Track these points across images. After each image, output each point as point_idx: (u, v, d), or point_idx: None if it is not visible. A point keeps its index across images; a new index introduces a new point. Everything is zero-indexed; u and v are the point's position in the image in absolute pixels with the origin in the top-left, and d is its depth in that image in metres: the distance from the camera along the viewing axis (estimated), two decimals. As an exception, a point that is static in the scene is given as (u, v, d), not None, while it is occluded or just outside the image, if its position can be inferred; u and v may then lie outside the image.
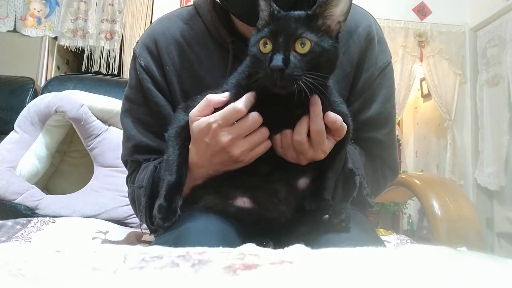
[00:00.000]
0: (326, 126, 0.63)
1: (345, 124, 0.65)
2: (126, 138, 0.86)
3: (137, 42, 0.88)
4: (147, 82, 0.83)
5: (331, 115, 0.63)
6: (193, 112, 0.67)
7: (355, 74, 0.83)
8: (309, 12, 0.60)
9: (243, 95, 0.63)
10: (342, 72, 0.82)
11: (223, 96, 0.66)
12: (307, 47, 0.57)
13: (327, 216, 0.62)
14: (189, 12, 0.87)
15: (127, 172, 0.89)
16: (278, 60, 0.56)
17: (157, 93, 0.83)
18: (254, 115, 0.63)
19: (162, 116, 0.82)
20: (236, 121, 0.63)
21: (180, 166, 0.67)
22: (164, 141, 0.76)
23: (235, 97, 0.64)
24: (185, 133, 0.69)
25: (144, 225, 0.82)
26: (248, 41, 0.63)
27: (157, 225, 0.64)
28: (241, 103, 0.62)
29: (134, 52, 0.87)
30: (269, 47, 0.59)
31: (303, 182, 0.68)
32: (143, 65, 0.84)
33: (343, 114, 0.66)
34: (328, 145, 0.65)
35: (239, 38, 0.80)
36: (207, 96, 0.66)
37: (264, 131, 0.64)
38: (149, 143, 0.84)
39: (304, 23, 0.59)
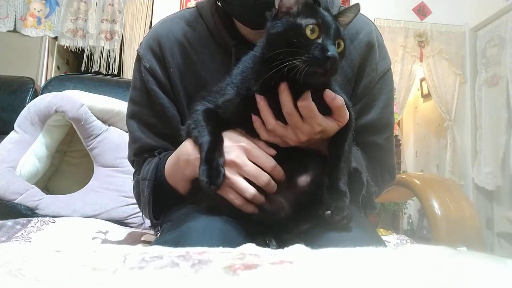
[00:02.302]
0: (326, 112, 0.65)
1: (347, 111, 0.66)
2: (132, 140, 0.87)
3: (140, 44, 0.88)
4: (151, 84, 0.83)
5: (329, 92, 0.64)
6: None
7: (356, 79, 0.84)
8: (334, 14, 0.65)
9: (252, 88, 0.66)
10: (344, 77, 0.83)
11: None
12: (341, 47, 0.63)
13: (329, 212, 0.62)
14: (191, 14, 0.87)
15: (127, 172, 0.90)
16: (334, 50, 0.59)
17: (161, 94, 0.83)
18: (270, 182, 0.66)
19: (166, 117, 0.83)
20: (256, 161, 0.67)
21: (212, 130, 0.68)
22: (168, 142, 0.80)
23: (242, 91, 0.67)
24: (211, 114, 0.70)
25: (146, 225, 0.82)
26: (251, 44, 0.65)
27: (205, 190, 0.64)
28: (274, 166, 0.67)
29: (138, 54, 0.87)
30: (315, 35, 0.60)
31: (304, 180, 0.69)
32: (147, 67, 0.84)
33: (345, 104, 0.67)
34: (328, 122, 0.65)
35: (242, 41, 0.80)
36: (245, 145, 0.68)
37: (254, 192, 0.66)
38: (154, 145, 0.84)
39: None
